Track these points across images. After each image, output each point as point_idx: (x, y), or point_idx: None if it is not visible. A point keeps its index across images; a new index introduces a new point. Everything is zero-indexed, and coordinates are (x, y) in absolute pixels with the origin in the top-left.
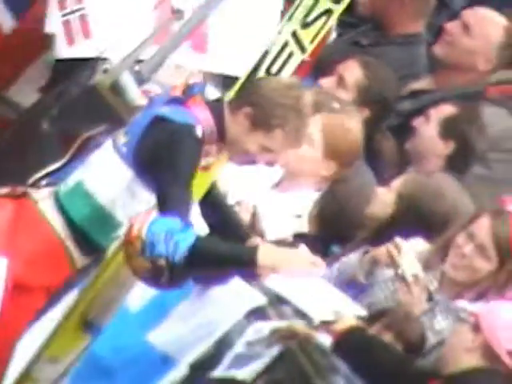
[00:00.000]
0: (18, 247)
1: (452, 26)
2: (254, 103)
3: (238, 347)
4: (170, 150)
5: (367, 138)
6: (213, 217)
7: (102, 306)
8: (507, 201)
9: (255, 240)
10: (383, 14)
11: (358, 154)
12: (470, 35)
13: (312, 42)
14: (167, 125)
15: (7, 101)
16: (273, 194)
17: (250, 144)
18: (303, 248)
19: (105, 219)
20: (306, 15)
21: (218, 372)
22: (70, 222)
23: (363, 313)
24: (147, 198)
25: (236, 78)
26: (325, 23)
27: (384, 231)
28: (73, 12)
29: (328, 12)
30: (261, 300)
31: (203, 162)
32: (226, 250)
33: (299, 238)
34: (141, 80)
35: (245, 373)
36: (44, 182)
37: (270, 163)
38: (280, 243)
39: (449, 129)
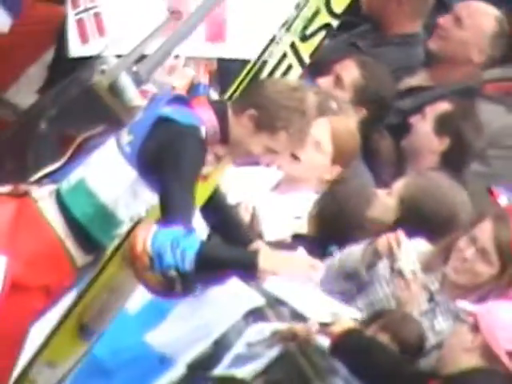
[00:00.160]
0: (18, 246)
1: (445, 20)
2: (259, 105)
3: (238, 347)
4: (174, 151)
5: (364, 137)
6: (215, 218)
7: (96, 311)
8: (497, 193)
9: (257, 244)
10: (380, 13)
11: (357, 154)
12: (462, 27)
13: (311, 56)
14: (171, 126)
15: (5, 102)
16: (272, 195)
17: (254, 146)
18: (301, 251)
19: (106, 217)
20: (305, 28)
21: (218, 371)
22: (71, 220)
23: (359, 315)
24: (149, 198)
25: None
26: (324, 38)
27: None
28: (86, 10)
29: (327, 26)
30: (259, 301)
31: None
32: (228, 254)
33: (297, 238)
34: (139, 81)
35: (244, 372)
36: (40, 182)
37: (273, 164)
38: (279, 245)
39: (444, 125)
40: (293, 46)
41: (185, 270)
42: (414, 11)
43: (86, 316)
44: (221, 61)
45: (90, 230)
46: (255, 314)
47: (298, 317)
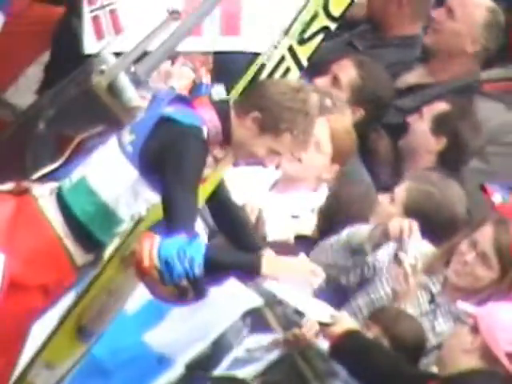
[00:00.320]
0: (16, 244)
1: (438, 13)
2: (262, 107)
3: (238, 352)
4: (176, 152)
5: (362, 137)
6: (223, 220)
7: (95, 313)
8: (492, 191)
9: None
10: (381, 15)
11: (354, 152)
12: (454, 18)
13: (309, 59)
14: (173, 126)
15: (4, 102)
16: (270, 195)
17: (258, 147)
18: (303, 256)
19: (107, 216)
20: (303, 31)
21: (217, 372)
22: (72, 218)
23: (355, 324)
24: (150, 197)
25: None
26: (322, 41)
27: None
28: (102, 7)
29: (325, 29)
30: (257, 301)
31: None
32: (231, 258)
33: (300, 239)
34: (137, 81)
35: (244, 372)
36: (40, 180)
37: (276, 165)
38: (281, 246)
39: (441, 125)
40: (291, 49)
41: (195, 277)
42: (414, 13)
43: (85, 318)
44: (217, 59)
45: (90, 228)
46: (253, 315)
47: (297, 317)
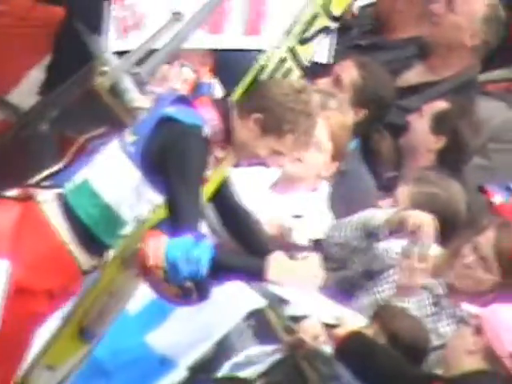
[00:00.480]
0: (21, 250)
1: (437, 6)
2: (265, 108)
3: (239, 358)
4: (178, 152)
5: (365, 137)
6: (229, 218)
7: (96, 314)
8: (492, 192)
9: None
10: (389, 14)
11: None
12: (454, 12)
13: (310, 59)
14: (175, 125)
15: (7, 104)
16: (271, 195)
17: (260, 149)
18: (315, 256)
19: (111, 218)
20: (304, 31)
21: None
22: (76, 222)
23: (363, 321)
24: (153, 198)
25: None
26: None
27: None
28: (126, 5)
29: (326, 29)
30: (260, 302)
31: None
32: (237, 261)
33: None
34: (140, 82)
35: (247, 373)
36: (43, 185)
37: (277, 165)
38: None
39: (440, 124)
40: (292, 50)
41: (201, 279)
42: (422, 13)
43: (86, 319)
44: (218, 59)
45: (94, 230)
46: (256, 316)
47: (291, 322)
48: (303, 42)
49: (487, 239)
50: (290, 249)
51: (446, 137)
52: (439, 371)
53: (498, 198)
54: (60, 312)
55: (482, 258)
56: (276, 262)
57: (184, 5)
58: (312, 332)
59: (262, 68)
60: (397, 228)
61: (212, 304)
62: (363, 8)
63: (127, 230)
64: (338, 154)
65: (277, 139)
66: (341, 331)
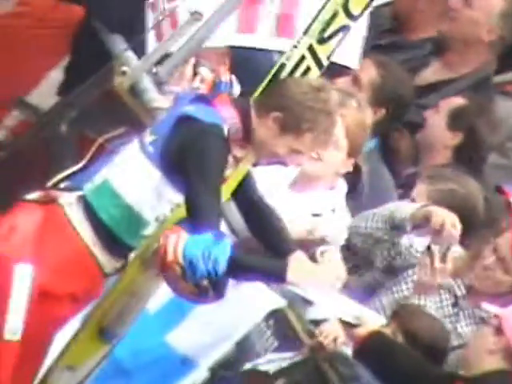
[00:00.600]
0: (44, 254)
1: (454, 1)
2: (284, 107)
3: (259, 361)
4: (198, 151)
5: (384, 136)
6: (251, 217)
7: (116, 314)
8: (510, 192)
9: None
10: (409, 13)
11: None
12: (471, 7)
13: (329, 58)
14: (194, 124)
15: (27, 104)
16: (290, 194)
17: (280, 147)
18: (336, 257)
19: (132, 218)
20: (323, 30)
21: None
22: (98, 223)
23: (383, 321)
24: (173, 198)
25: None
26: (341, 40)
27: None
28: (164, 11)
29: (345, 28)
30: (280, 302)
31: None
32: (257, 263)
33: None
34: (159, 82)
35: (267, 366)
36: (63, 185)
37: (297, 164)
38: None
39: (457, 120)
40: (310, 48)
41: (217, 278)
42: (443, 11)
43: (107, 319)
44: (235, 58)
45: (116, 231)
46: (276, 316)
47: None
48: (322, 40)
49: (506, 241)
50: (311, 247)
51: (463, 133)
52: (459, 371)
53: None
54: (81, 314)
55: (500, 260)
56: (297, 263)
57: (203, 4)
58: (332, 335)
59: (282, 66)
60: (421, 223)
61: (232, 304)
62: (378, 8)
63: (149, 230)
64: (353, 152)
65: (296, 138)
66: (361, 331)
